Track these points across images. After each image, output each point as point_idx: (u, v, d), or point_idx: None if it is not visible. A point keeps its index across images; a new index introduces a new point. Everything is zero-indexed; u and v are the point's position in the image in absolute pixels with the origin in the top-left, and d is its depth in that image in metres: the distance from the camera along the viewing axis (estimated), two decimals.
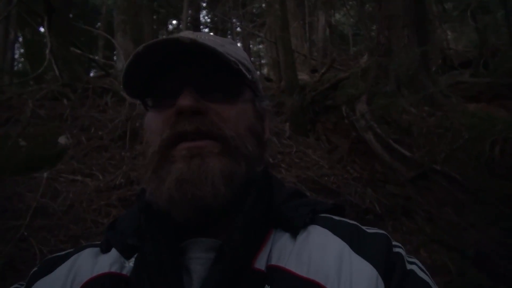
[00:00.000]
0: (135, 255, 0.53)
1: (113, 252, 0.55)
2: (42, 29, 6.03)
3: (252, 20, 13.47)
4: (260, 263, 0.49)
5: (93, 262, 0.55)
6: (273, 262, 0.50)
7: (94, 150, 4.20)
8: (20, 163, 3.74)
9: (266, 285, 0.47)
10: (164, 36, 0.54)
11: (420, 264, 0.51)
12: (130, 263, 0.53)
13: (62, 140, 4.26)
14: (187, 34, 0.59)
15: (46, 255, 2.31)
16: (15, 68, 14.22)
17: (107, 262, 0.54)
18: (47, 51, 4.61)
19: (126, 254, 0.54)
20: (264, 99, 0.68)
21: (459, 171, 2.66)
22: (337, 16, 17.01)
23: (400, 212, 3.10)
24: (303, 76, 7.36)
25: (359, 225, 0.56)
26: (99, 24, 14.43)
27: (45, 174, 3.46)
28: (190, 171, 0.49)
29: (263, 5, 12.34)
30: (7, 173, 3.47)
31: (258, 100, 0.65)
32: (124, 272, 0.52)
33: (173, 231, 0.52)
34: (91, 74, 10.91)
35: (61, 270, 0.55)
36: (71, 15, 10.75)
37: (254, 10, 14.91)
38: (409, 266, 0.50)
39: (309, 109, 5.06)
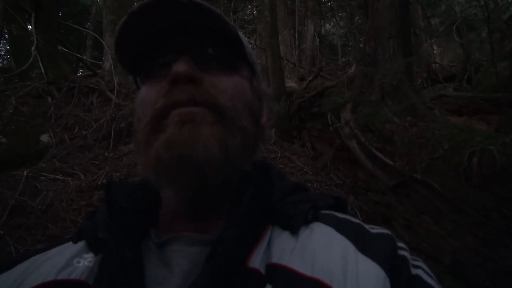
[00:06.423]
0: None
1: (78, 245, 0.53)
2: (29, 26, 5.95)
3: (243, 26, 13.54)
4: (254, 262, 0.47)
5: (51, 265, 0.50)
6: (274, 260, 0.47)
7: (77, 150, 4.14)
8: None
9: (268, 285, 0.44)
10: None
11: (425, 268, 0.49)
12: (85, 262, 0.50)
13: (44, 138, 4.19)
14: None
15: None
16: (0, 64, 13.98)
17: (57, 266, 0.49)
18: (33, 48, 4.53)
19: (94, 248, 0.51)
20: (262, 81, 0.65)
21: (438, 180, 2.71)
22: (327, 26, 17.24)
23: (380, 220, 3.13)
24: (291, 83, 7.39)
25: (363, 224, 0.54)
26: (88, 24, 14.30)
27: (25, 172, 3.39)
28: (181, 135, 0.47)
29: (254, 12, 12.45)
30: None
31: (256, 80, 0.62)
32: (73, 276, 0.48)
33: (139, 227, 0.50)
34: (79, 73, 10.76)
35: (17, 270, 0.51)
36: (60, 13, 10.64)
37: (246, 17, 15.01)
38: (414, 271, 0.48)
39: (295, 115, 5.09)
